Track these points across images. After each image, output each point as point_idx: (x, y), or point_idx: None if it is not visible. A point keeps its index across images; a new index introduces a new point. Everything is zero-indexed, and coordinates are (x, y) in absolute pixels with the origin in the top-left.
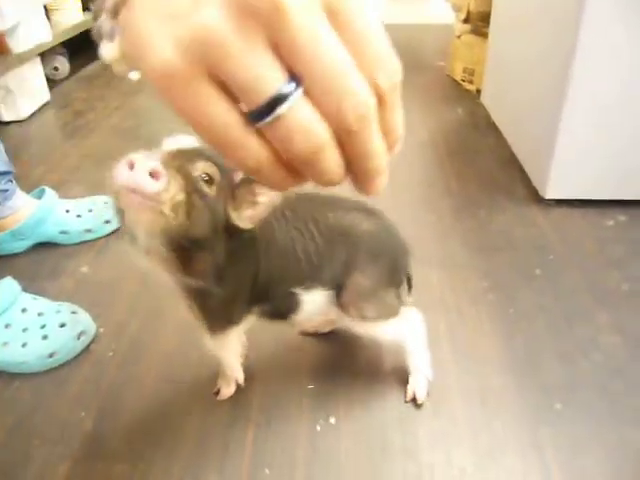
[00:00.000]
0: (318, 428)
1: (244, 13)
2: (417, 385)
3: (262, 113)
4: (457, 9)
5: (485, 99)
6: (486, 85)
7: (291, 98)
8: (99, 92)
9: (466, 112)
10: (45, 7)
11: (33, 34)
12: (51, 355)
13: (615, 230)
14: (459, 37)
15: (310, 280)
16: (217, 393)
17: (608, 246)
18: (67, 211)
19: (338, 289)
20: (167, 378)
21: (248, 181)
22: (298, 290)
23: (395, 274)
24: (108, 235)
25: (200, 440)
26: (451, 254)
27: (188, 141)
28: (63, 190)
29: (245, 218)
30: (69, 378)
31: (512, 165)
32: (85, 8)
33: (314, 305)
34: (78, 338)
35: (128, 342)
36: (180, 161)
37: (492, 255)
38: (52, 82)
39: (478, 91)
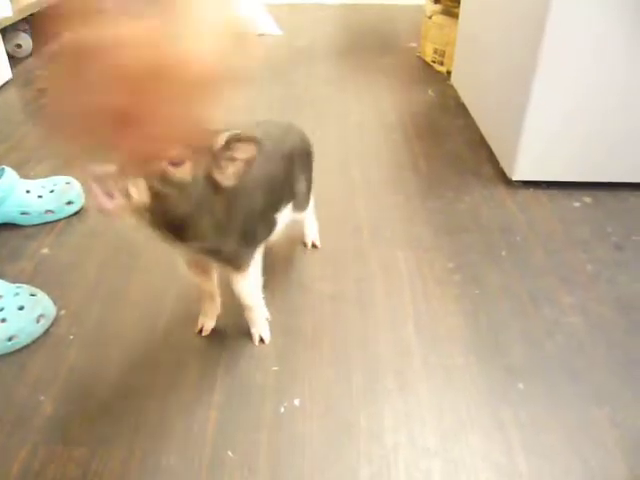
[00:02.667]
0: (282, 410)
1: None
2: (313, 233)
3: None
4: None
5: (455, 81)
6: (456, 67)
7: None
8: None
9: (436, 94)
10: None
11: None
12: (10, 339)
13: (581, 212)
14: (430, 17)
15: (281, 203)
16: (201, 331)
17: (574, 228)
18: (28, 191)
19: (293, 198)
20: (128, 361)
21: (227, 144)
22: (276, 214)
23: (311, 171)
24: (70, 216)
25: (162, 422)
26: (418, 235)
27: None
28: (24, 170)
29: (229, 176)
30: (28, 362)
31: (481, 147)
32: None
33: (283, 219)
34: (38, 321)
35: (89, 325)
36: (139, 163)
37: (459, 236)
38: (14, 59)
39: (449, 72)
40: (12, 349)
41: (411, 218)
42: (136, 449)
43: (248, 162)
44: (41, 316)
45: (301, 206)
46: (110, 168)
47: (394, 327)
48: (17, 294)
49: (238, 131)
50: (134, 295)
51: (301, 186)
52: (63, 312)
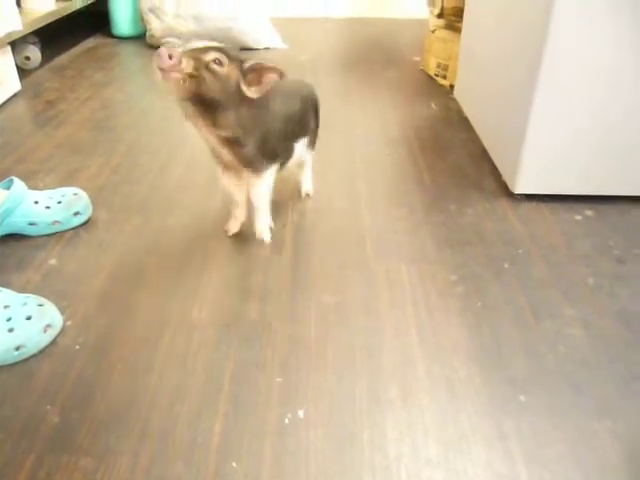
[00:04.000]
0: (286, 421)
1: None
2: (308, 185)
3: None
4: (431, 4)
5: (458, 94)
6: (459, 80)
7: None
8: (71, 82)
9: (439, 107)
10: None
11: (3, 22)
12: (17, 348)
13: (583, 225)
14: (433, 32)
15: (300, 134)
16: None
17: (576, 241)
18: (36, 202)
19: (308, 134)
20: (134, 371)
21: (255, 68)
22: (295, 142)
23: (318, 120)
24: (77, 227)
25: (167, 432)
26: (421, 247)
27: (209, 42)
28: (33, 181)
29: (253, 91)
30: (35, 371)
31: (483, 160)
32: None
33: (298, 149)
34: (45, 331)
35: (96, 335)
36: (196, 52)
37: (462, 249)
38: (23, 72)
39: (451, 86)
40: (19, 359)
41: (415, 231)
42: (142, 458)
43: (269, 84)
44: (48, 326)
45: (311, 144)
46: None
47: (397, 338)
48: (25, 304)
49: (261, 62)
50: (140, 306)
51: (312, 125)
52: (70, 322)
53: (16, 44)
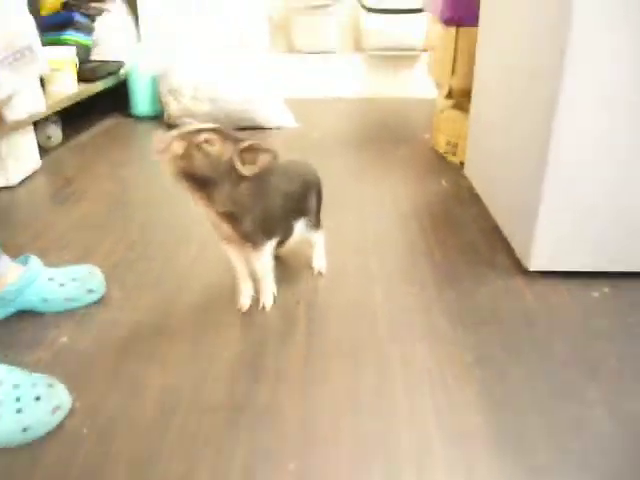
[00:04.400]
0: None
1: None
2: (320, 263)
3: None
4: (440, 85)
5: (468, 171)
6: (469, 158)
7: None
8: (89, 160)
9: (450, 184)
10: (41, 78)
11: (28, 104)
12: (24, 430)
13: (600, 302)
14: (442, 112)
15: (299, 213)
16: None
17: (595, 319)
18: (50, 279)
19: (306, 215)
20: (142, 458)
21: (250, 148)
22: (294, 221)
23: (321, 200)
24: (90, 305)
25: None
26: (436, 327)
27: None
28: (48, 257)
29: (247, 169)
30: (40, 455)
31: (496, 236)
32: (80, 79)
33: (298, 229)
34: (53, 413)
35: (104, 418)
36: (188, 133)
37: (477, 328)
38: (44, 149)
39: (461, 163)
40: (25, 441)
41: (428, 309)
42: None
43: (262, 165)
44: (57, 408)
45: (313, 225)
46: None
47: (414, 423)
48: (35, 384)
49: (257, 142)
50: (151, 387)
51: (312, 207)
52: (79, 404)
53: (38, 123)
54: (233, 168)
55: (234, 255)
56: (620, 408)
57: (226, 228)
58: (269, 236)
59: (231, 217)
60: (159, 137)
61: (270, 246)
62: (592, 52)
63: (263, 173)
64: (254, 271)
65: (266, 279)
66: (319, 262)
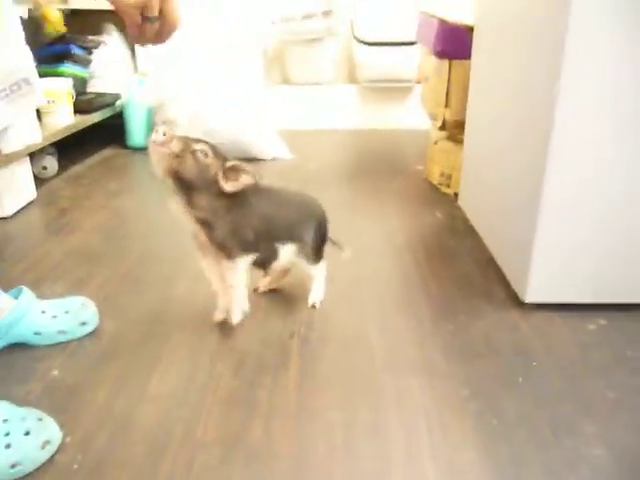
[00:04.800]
0: None
1: None
2: (314, 297)
3: (152, 19)
4: (433, 117)
5: (462, 203)
6: (463, 189)
7: (159, 20)
8: (84, 191)
9: (444, 215)
10: (38, 109)
11: (24, 135)
12: (13, 466)
13: (597, 335)
14: (436, 143)
15: (285, 238)
16: (223, 322)
17: (591, 352)
18: (43, 312)
19: (299, 242)
20: None
21: (234, 167)
22: (278, 244)
23: (324, 235)
24: (83, 337)
25: None
26: (431, 360)
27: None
28: (41, 289)
29: (229, 186)
30: None
31: (491, 268)
32: (77, 111)
33: (286, 255)
34: (43, 447)
35: (95, 454)
36: (188, 139)
37: (473, 361)
38: (39, 180)
39: (456, 195)
40: (14, 477)
41: (423, 342)
42: None
43: (243, 184)
44: (47, 442)
45: (307, 255)
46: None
47: (410, 460)
48: (24, 418)
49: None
50: (142, 423)
51: (307, 238)
52: (69, 439)
53: (34, 154)
54: (216, 181)
55: (210, 269)
56: (617, 443)
57: (202, 235)
58: (244, 250)
59: (206, 224)
60: (163, 130)
61: (244, 262)
62: (587, 85)
63: (244, 192)
64: (227, 287)
65: (236, 296)
66: (315, 295)
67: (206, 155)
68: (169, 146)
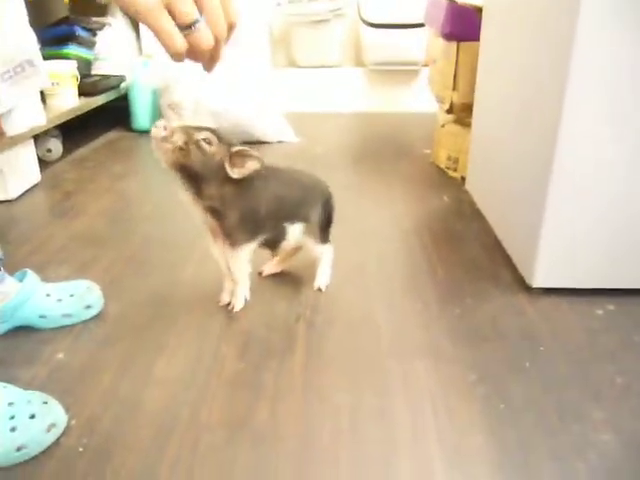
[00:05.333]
0: None
1: None
2: (320, 280)
3: (188, 27)
4: (441, 100)
5: (470, 186)
6: (470, 173)
7: (200, 22)
8: (89, 174)
9: (451, 199)
10: (42, 91)
11: (28, 117)
12: (19, 449)
13: (605, 320)
14: (443, 126)
15: (293, 217)
16: (228, 305)
17: (599, 337)
18: (48, 295)
19: (307, 222)
20: (138, 478)
21: (240, 153)
22: (287, 224)
23: (330, 215)
24: (88, 320)
25: None
26: (437, 344)
27: (206, 123)
28: (46, 272)
29: (236, 172)
30: (35, 474)
31: (498, 252)
32: (81, 93)
33: (294, 234)
34: (48, 430)
35: (100, 437)
36: (190, 128)
37: (479, 345)
38: (44, 163)
39: (463, 178)
40: (19, 460)
41: (430, 326)
42: None
43: (249, 169)
44: (52, 425)
45: (314, 235)
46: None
47: (415, 444)
48: (29, 401)
49: (248, 149)
50: (148, 406)
51: (314, 217)
52: (74, 421)
53: (39, 137)
54: (223, 168)
55: (218, 252)
56: (626, 428)
57: (212, 221)
58: (252, 236)
59: (215, 212)
60: (162, 124)
61: (249, 249)
62: (597, 66)
63: (250, 175)
64: (232, 273)
65: (240, 282)
66: (321, 279)
67: (210, 143)
68: (172, 140)
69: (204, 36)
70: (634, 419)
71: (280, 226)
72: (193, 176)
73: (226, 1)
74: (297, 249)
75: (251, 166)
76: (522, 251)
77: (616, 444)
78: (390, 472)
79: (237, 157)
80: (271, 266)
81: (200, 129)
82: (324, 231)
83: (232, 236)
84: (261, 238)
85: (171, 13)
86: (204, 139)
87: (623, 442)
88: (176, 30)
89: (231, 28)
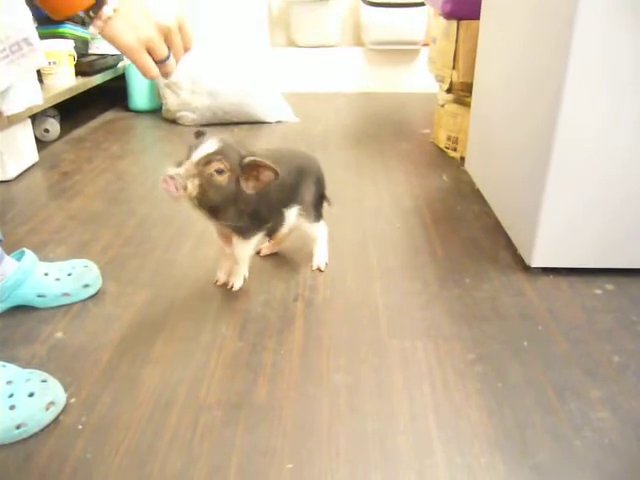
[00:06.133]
0: None
1: (159, 28)
2: (319, 259)
3: (162, 61)
4: (440, 80)
5: (469, 167)
6: (469, 153)
7: (170, 57)
8: (87, 154)
9: (451, 179)
10: (39, 71)
11: (25, 97)
12: (18, 427)
13: (603, 299)
14: (443, 106)
15: (290, 201)
16: (227, 285)
17: (597, 316)
18: (46, 274)
19: (301, 204)
20: (137, 456)
21: (252, 164)
22: (285, 209)
23: (322, 191)
24: (86, 299)
25: None
26: (437, 324)
27: (209, 147)
28: (44, 251)
29: (250, 187)
30: (34, 452)
31: (497, 233)
32: (78, 73)
33: (291, 217)
34: (47, 409)
35: (99, 415)
36: (199, 167)
37: (478, 325)
38: (42, 143)
39: (462, 158)
40: (19, 438)
41: (429, 306)
42: None
43: (265, 182)
44: (51, 403)
45: (308, 215)
46: (179, 171)
47: (414, 422)
48: (28, 380)
49: (262, 159)
50: (147, 384)
51: (308, 197)
52: (74, 400)
53: (36, 117)
54: (239, 187)
55: (222, 237)
56: (623, 406)
57: (227, 231)
58: (259, 227)
59: (231, 225)
60: (170, 185)
61: (257, 238)
62: (598, 49)
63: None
64: (235, 257)
65: (241, 263)
66: (319, 258)
67: (222, 171)
68: (186, 192)
69: (172, 65)
70: (631, 397)
71: (280, 213)
72: (213, 208)
73: (185, 32)
74: (292, 229)
75: (266, 178)
76: (521, 231)
77: (613, 422)
78: (389, 449)
79: (250, 170)
80: (269, 246)
81: (209, 160)
82: (316, 208)
83: (242, 232)
84: (267, 226)
85: (149, 50)
86: (216, 170)
87: (620, 420)
88: (152, 64)
89: (187, 51)
